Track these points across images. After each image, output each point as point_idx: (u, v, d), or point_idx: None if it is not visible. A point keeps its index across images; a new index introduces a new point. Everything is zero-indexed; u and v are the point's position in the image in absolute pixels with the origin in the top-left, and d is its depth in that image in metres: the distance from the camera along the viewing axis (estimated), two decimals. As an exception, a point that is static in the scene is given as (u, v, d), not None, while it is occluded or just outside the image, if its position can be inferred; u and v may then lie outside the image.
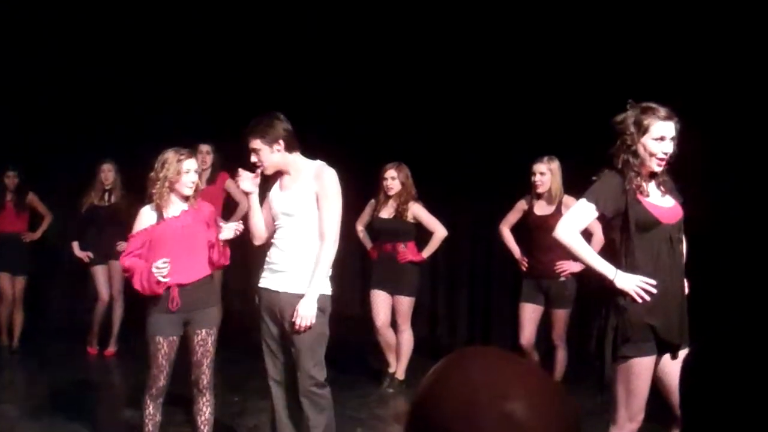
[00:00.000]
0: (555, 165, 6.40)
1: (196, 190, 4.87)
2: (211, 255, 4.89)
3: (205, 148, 7.97)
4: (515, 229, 6.79)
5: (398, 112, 9.35)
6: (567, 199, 6.34)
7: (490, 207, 8.21)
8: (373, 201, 7.17)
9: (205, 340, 4.86)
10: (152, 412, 4.91)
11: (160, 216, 4.85)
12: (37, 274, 8.92)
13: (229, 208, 8.18)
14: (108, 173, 8.29)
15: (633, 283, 3.83)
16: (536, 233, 6.43)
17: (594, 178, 4.00)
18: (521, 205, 6.62)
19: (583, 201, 3.95)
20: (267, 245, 4.88)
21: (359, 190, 7.61)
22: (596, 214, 3.92)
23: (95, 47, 9.43)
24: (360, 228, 7.31)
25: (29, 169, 8.58)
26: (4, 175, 8.40)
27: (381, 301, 7.07)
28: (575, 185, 6.41)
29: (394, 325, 7.12)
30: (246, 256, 9.28)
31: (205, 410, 4.96)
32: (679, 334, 3.95)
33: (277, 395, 4.83)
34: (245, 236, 8.37)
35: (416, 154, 7.98)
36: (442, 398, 1.09)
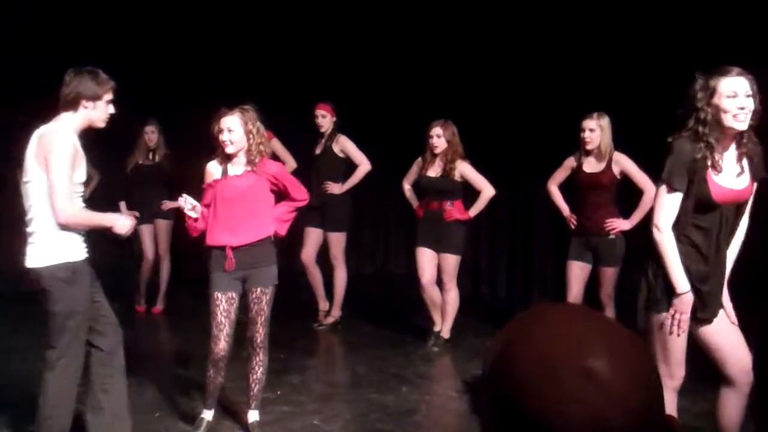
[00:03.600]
0: (605, 121, 6.28)
1: (250, 151, 4.82)
2: (279, 216, 4.97)
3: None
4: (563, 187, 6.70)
5: (445, 69, 9.27)
6: (617, 155, 6.24)
7: (532, 163, 8.14)
8: (419, 159, 7.13)
9: (260, 299, 4.86)
10: (212, 374, 4.92)
11: (225, 172, 4.89)
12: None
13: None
14: (152, 134, 8.37)
15: (681, 311, 3.76)
16: (585, 191, 6.34)
17: (669, 140, 3.81)
18: (569, 163, 6.52)
19: (663, 189, 3.78)
20: None
21: (407, 149, 7.60)
22: (680, 196, 3.77)
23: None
24: (407, 186, 7.30)
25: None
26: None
27: (427, 259, 7.06)
28: (625, 141, 6.34)
29: (439, 283, 7.11)
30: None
31: (257, 369, 5.00)
32: (713, 311, 3.89)
33: None
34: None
35: (462, 110, 7.92)
36: (521, 353, 1.07)
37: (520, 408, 1.02)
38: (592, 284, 6.51)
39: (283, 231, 5.02)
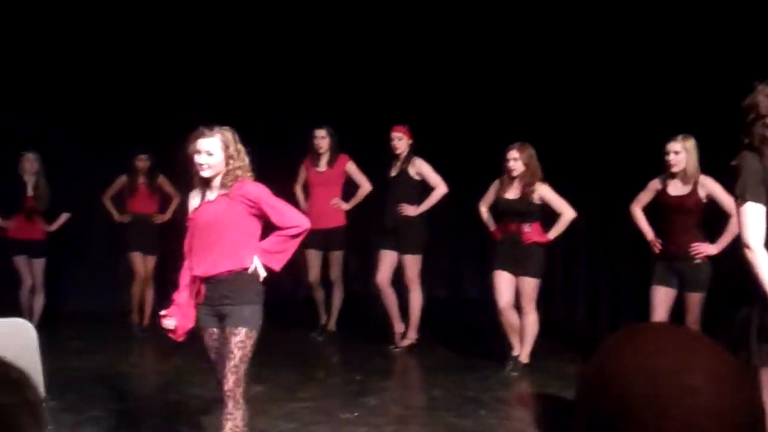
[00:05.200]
0: (690, 143, 6.15)
1: (227, 174, 4.34)
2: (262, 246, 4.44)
3: (320, 132, 8.05)
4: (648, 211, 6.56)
5: (525, 90, 9.20)
6: (703, 178, 6.10)
7: (615, 185, 8.01)
8: (497, 181, 7.07)
9: (228, 339, 4.30)
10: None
11: (203, 198, 4.49)
12: (166, 254, 9.18)
13: (350, 190, 8.21)
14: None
15: None
16: (670, 214, 6.21)
17: (733, 163, 3.74)
18: (654, 185, 6.39)
19: (742, 207, 3.65)
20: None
21: (481, 171, 7.57)
22: (762, 209, 3.65)
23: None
24: (483, 209, 7.25)
25: (158, 153, 8.82)
26: (136, 158, 8.66)
27: (504, 283, 6.98)
28: (711, 165, 6.19)
29: (517, 307, 7.03)
30: (366, 239, 9.40)
31: (225, 424, 4.35)
32: None
33: None
34: (363, 220, 8.55)
35: (541, 132, 7.86)
36: (621, 371, 1.06)
37: (620, 428, 1.00)
38: (677, 310, 6.35)
39: (275, 264, 4.46)
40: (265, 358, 7.28)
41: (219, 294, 4.36)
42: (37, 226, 8.51)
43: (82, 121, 9.28)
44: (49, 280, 8.76)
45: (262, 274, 4.41)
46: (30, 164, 8.40)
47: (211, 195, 4.43)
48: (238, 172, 4.35)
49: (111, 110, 9.31)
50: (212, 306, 4.39)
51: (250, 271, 4.37)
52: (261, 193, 4.39)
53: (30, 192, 8.45)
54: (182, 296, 4.46)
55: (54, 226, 8.63)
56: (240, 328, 4.29)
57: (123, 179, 8.81)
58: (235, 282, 4.34)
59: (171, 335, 4.49)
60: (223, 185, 4.38)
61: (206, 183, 4.44)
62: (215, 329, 4.41)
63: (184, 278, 4.49)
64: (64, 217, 8.64)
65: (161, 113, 9.04)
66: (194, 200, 4.52)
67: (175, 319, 4.44)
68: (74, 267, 9.55)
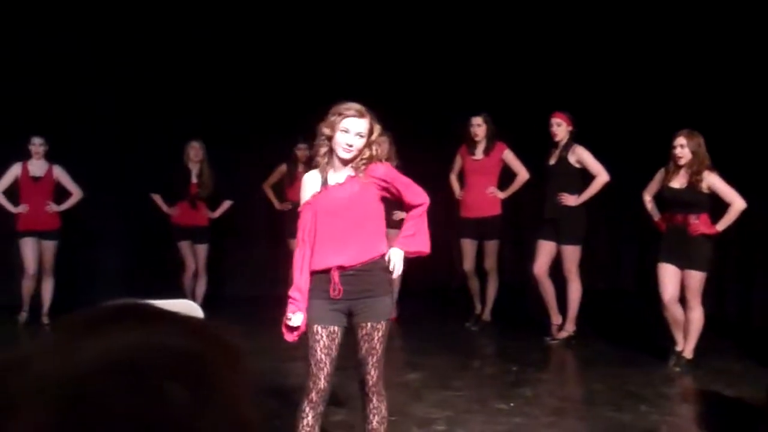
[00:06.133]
0: None
1: (367, 158, 4.07)
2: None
3: (477, 120, 7.95)
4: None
5: (691, 75, 8.85)
6: None
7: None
8: (662, 169, 6.80)
9: (371, 335, 4.09)
10: (310, 422, 4.12)
11: (324, 182, 4.14)
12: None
13: (508, 178, 8.09)
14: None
15: None
16: None
17: None
18: None
19: None
20: None
21: (644, 159, 7.30)
22: None
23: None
24: (648, 198, 6.99)
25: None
26: (296, 147, 8.83)
27: (669, 276, 6.71)
28: None
29: (681, 300, 6.74)
30: (522, 228, 9.26)
31: (372, 418, 4.20)
32: None
33: None
34: (519, 209, 8.42)
35: (710, 119, 7.51)
36: None
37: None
38: None
39: (424, 246, 4.22)
40: (420, 345, 7.41)
41: (357, 287, 4.05)
42: (201, 212, 8.80)
43: (245, 110, 9.56)
44: (211, 265, 9.06)
45: (400, 270, 4.13)
46: (195, 152, 8.69)
47: (338, 177, 4.12)
48: (373, 160, 4.09)
49: (273, 100, 9.53)
50: (347, 300, 4.06)
51: (389, 265, 4.10)
52: (389, 171, 4.19)
53: (194, 179, 8.74)
54: (301, 292, 4.10)
55: (217, 213, 8.90)
56: (382, 321, 4.10)
57: (283, 168, 9.00)
58: (373, 272, 4.08)
59: (289, 337, 4.13)
60: (355, 168, 4.09)
61: (332, 165, 4.12)
62: (336, 327, 4.09)
63: (300, 271, 4.10)
64: (226, 204, 8.90)
65: (323, 103, 9.18)
66: (313, 183, 4.16)
67: (302, 317, 4.09)
68: (235, 253, 9.85)
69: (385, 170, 4.15)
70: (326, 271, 4.05)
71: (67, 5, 9.04)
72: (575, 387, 6.88)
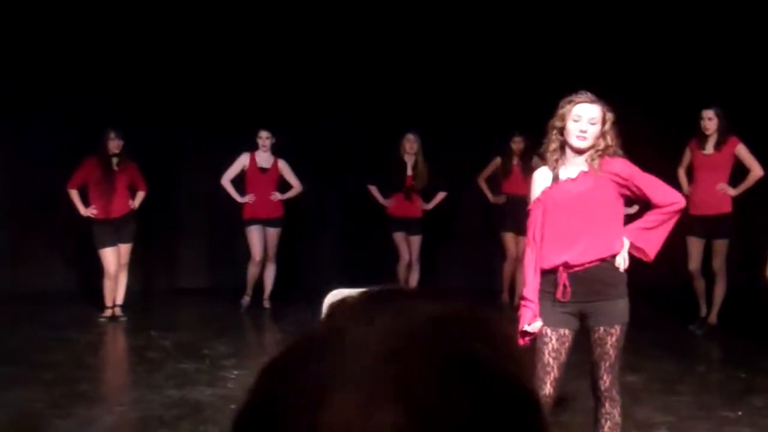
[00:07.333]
0: None
1: (603, 149, 3.86)
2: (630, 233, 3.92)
3: (708, 113, 7.49)
4: None
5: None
6: None
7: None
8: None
9: (603, 340, 3.89)
10: None
11: (555, 177, 3.96)
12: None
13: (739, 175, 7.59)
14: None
15: None
16: None
17: None
18: None
19: None
20: None
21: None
22: None
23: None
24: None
25: (534, 135, 8.84)
26: (511, 140, 8.77)
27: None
28: None
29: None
30: (754, 227, 8.68)
31: (604, 423, 4.03)
32: None
33: None
34: (752, 207, 7.87)
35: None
36: None
37: None
38: None
39: (651, 246, 3.95)
40: (641, 347, 7.08)
41: (587, 288, 3.86)
42: (415, 204, 8.93)
43: (461, 104, 9.57)
44: (424, 256, 9.16)
45: (625, 264, 3.89)
46: (410, 144, 8.82)
47: (570, 173, 3.94)
48: (609, 151, 3.88)
49: (490, 95, 9.49)
50: (576, 303, 3.87)
51: (620, 256, 3.87)
52: (633, 169, 3.93)
53: (409, 171, 8.88)
54: (534, 293, 3.93)
55: (431, 205, 9.00)
56: (616, 326, 3.88)
57: (497, 161, 8.95)
58: (606, 272, 3.85)
59: (521, 340, 3.87)
60: (588, 161, 3.90)
61: (564, 160, 3.95)
62: (567, 330, 3.92)
63: (532, 271, 3.95)
64: (440, 195, 8.97)
65: (534, 96, 9.05)
66: (543, 179, 3.99)
67: (540, 324, 3.90)
68: (448, 245, 9.89)
69: (622, 165, 3.92)
70: (554, 271, 3.89)
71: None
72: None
